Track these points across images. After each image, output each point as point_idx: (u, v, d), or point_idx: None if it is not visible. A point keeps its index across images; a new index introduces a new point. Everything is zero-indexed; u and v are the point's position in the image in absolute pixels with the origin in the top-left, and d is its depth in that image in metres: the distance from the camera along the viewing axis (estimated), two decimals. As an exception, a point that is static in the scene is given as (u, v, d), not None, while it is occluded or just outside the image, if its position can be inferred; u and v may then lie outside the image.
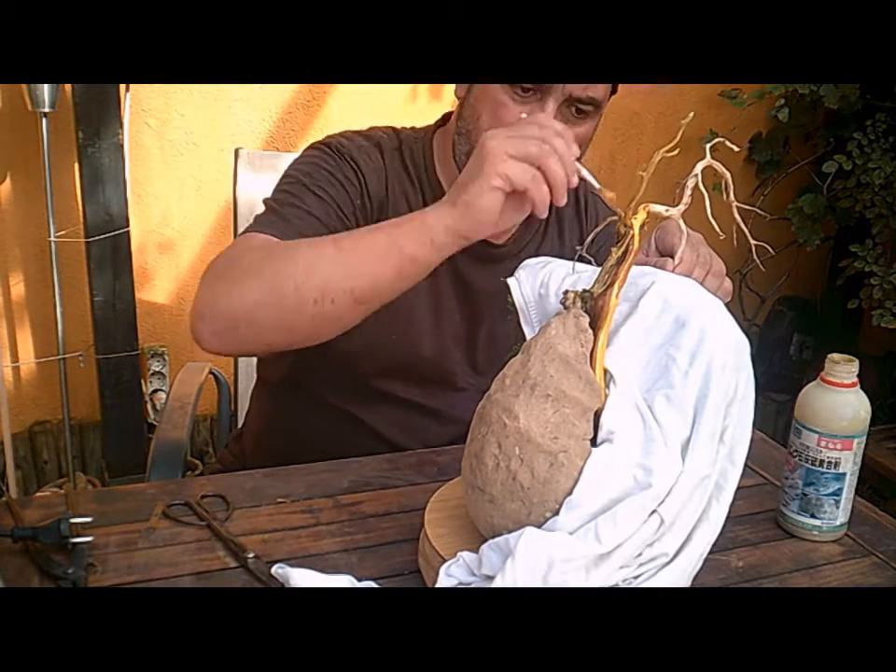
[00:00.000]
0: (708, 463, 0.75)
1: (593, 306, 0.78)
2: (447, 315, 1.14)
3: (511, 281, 0.88)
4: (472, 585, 0.73)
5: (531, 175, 0.81)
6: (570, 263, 0.86)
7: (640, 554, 0.72)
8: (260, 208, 1.04)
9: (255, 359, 1.49)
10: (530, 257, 0.92)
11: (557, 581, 0.69)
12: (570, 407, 0.74)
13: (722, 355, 0.76)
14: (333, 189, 1.05)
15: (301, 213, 1.01)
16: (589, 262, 0.85)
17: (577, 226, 1.21)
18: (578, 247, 0.85)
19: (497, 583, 0.69)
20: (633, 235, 0.77)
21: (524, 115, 0.96)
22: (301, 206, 1.02)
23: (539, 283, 0.86)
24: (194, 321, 0.90)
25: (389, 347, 1.11)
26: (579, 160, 0.84)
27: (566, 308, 0.78)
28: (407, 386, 1.15)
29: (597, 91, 0.99)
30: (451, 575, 0.75)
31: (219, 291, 0.90)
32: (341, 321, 0.89)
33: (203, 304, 0.90)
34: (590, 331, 0.77)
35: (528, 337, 0.83)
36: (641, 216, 0.78)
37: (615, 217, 0.79)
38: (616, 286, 0.78)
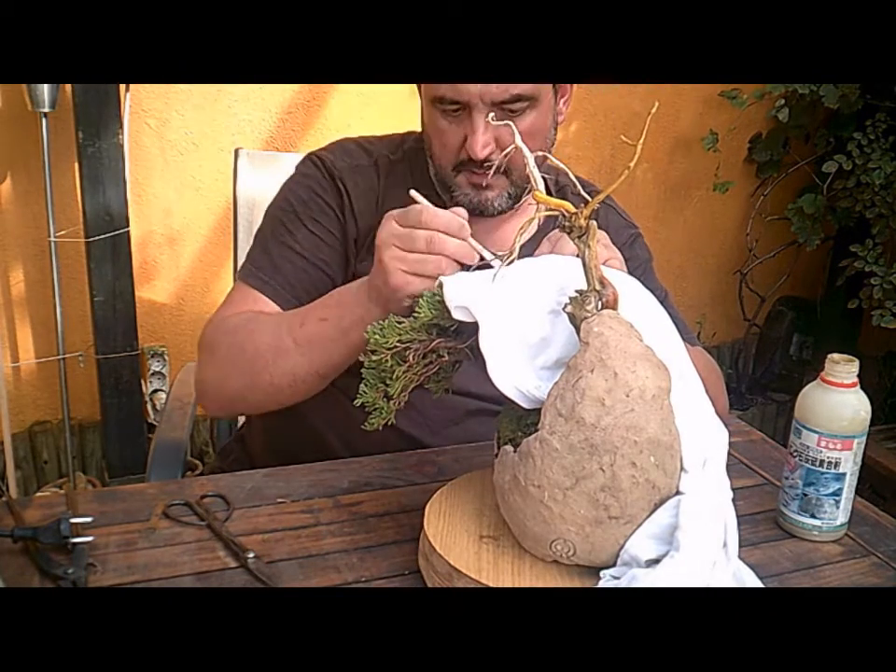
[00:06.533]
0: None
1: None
2: None
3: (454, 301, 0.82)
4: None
5: (435, 272, 0.85)
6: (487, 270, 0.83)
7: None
8: (260, 208, 1.04)
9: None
10: None
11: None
12: (664, 396, 0.75)
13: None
14: (325, 216, 1.14)
15: (291, 254, 1.12)
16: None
17: None
18: (501, 253, 0.85)
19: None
20: (591, 226, 0.77)
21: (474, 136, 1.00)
22: (292, 246, 1.12)
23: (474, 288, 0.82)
24: (200, 397, 1.15)
25: None
26: (539, 166, 0.82)
27: (576, 316, 0.76)
28: None
29: (519, 87, 1.00)
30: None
31: (210, 378, 1.09)
32: (314, 390, 1.05)
33: (203, 386, 1.11)
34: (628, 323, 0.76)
35: (484, 336, 0.78)
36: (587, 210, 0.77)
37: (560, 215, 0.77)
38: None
